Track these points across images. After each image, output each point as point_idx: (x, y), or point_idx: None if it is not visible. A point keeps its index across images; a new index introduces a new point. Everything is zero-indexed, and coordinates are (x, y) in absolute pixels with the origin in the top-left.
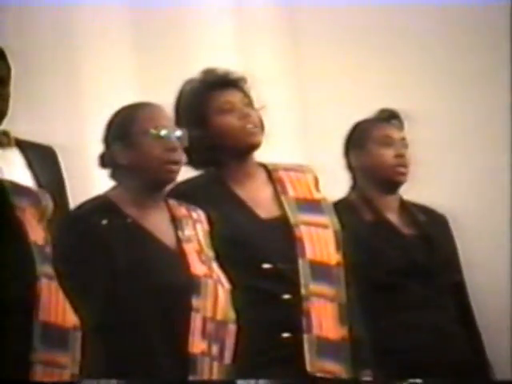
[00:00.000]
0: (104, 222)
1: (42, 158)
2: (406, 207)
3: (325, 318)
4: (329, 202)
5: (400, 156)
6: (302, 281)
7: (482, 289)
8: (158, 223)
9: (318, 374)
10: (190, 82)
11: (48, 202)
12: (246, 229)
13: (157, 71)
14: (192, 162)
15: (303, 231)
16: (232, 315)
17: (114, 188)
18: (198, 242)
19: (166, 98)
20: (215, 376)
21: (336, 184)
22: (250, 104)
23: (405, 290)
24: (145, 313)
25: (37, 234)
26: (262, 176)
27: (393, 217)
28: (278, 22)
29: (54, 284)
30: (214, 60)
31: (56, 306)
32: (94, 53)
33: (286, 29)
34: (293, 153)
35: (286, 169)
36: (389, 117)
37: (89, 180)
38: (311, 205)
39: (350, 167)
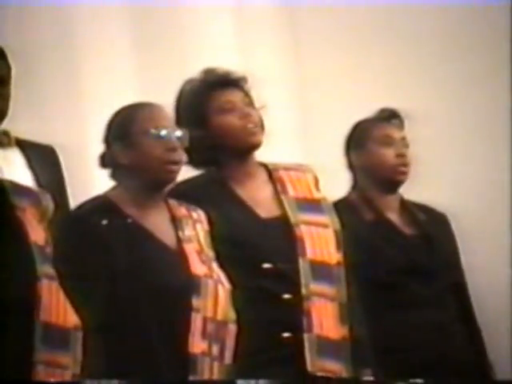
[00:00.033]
0: (104, 222)
1: (42, 157)
2: (406, 207)
3: (325, 317)
4: (329, 201)
5: (400, 155)
6: (303, 280)
7: (482, 289)
8: (158, 223)
9: (319, 374)
10: (190, 81)
11: (49, 202)
12: (246, 228)
13: (157, 71)
14: (192, 162)
15: (303, 231)
16: (232, 315)
17: (114, 188)
18: (198, 242)
19: (166, 98)
20: (215, 376)
21: (336, 184)
22: (250, 104)
23: (405, 290)
24: (145, 313)
25: (37, 234)
26: (262, 176)
27: (393, 216)
28: (278, 22)
29: (55, 284)
30: (214, 60)
31: (57, 307)
32: (94, 53)
33: (286, 28)
34: (293, 152)
35: (286, 168)
36: (389, 116)
37: (89, 180)
38: (311, 204)
39: (351, 167)
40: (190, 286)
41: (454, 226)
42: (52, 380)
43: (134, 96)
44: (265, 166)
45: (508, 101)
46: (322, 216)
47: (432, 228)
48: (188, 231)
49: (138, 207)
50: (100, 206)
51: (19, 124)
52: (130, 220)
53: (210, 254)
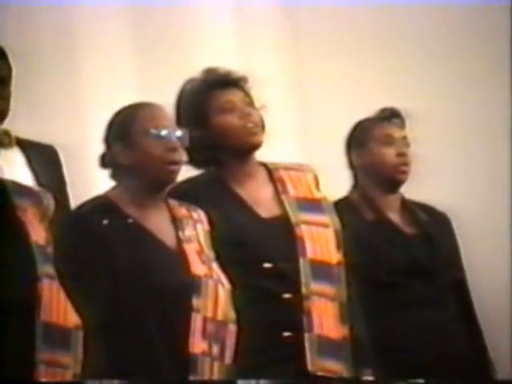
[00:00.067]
0: (105, 222)
1: (43, 157)
2: (407, 206)
3: (326, 317)
4: (329, 201)
5: (401, 155)
6: (303, 280)
7: (483, 288)
8: (158, 223)
9: (319, 374)
10: (190, 81)
11: (49, 202)
12: (246, 228)
13: (157, 71)
14: (193, 162)
15: (304, 230)
16: (232, 315)
17: (114, 188)
18: (198, 243)
19: (166, 98)
20: (216, 376)
21: (336, 183)
22: (250, 103)
23: (406, 289)
24: (145, 313)
25: (38, 234)
26: (262, 175)
27: (394, 216)
28: (278, 22)
29: (56, 284)
30: (214, 60)
31: (57, 306)
32: (94, 53)
33: (286, 29)
34: (293, 152)
35: (287, 168)
36: (390, 116)
37: (89, 180)
38: (312, 204)
39: (352, 166)
40: (190, 286)
41: (453, 225)
42: (53, 380)
43: (134, 96)
44: (265, 165)
45: (508, 101)
46: (322, 216)
47: (433, 227)
48: (188, 231)
49: (138, 207)
50: (100, 206)
51: (20, 124)
52: (130, 220)
53: (211, 254)
